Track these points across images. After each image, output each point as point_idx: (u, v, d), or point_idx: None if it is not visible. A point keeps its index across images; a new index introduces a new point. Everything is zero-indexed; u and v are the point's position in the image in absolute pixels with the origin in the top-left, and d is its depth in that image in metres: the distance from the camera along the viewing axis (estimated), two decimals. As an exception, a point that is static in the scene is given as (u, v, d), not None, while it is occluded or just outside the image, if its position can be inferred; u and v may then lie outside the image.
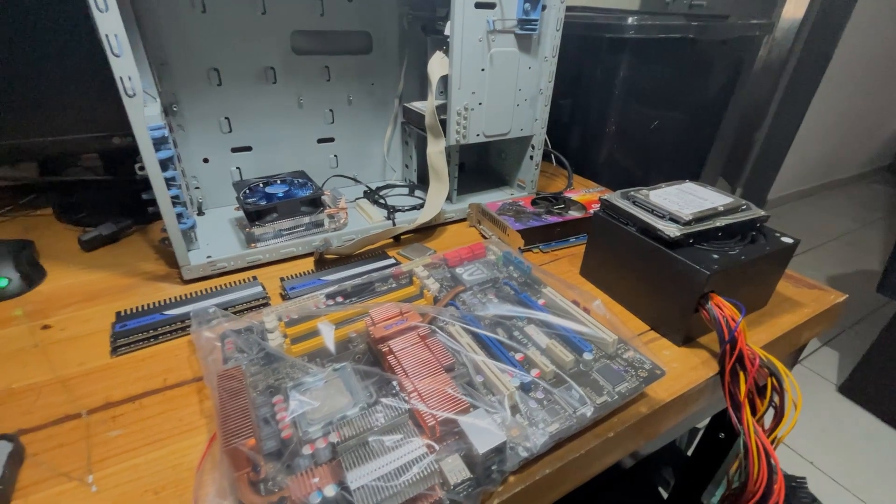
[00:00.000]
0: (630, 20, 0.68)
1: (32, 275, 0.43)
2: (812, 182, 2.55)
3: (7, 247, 0.44)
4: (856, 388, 1.26)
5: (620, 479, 0.65)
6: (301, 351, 0.34)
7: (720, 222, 0.40)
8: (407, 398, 0.27)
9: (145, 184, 0.41)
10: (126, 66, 0.34)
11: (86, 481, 0.26)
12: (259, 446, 0.26)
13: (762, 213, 0.42)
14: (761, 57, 1.80)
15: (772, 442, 0.35)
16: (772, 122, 2.02)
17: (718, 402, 0.47)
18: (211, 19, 0.49)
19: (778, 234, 0.42)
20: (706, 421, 0.61)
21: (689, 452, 0.80)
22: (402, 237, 0.55)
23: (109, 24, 0.33)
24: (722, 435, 0.56)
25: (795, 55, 1.87)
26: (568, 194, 0.61)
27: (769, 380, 0.35)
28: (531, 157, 0.63)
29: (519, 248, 0.51)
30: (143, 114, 0.36)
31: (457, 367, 0.31)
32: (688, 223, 0.39)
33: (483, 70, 0.53)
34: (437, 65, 0.52)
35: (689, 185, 0.46)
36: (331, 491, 0.24)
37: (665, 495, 0.67)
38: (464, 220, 0.60)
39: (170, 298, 0.41)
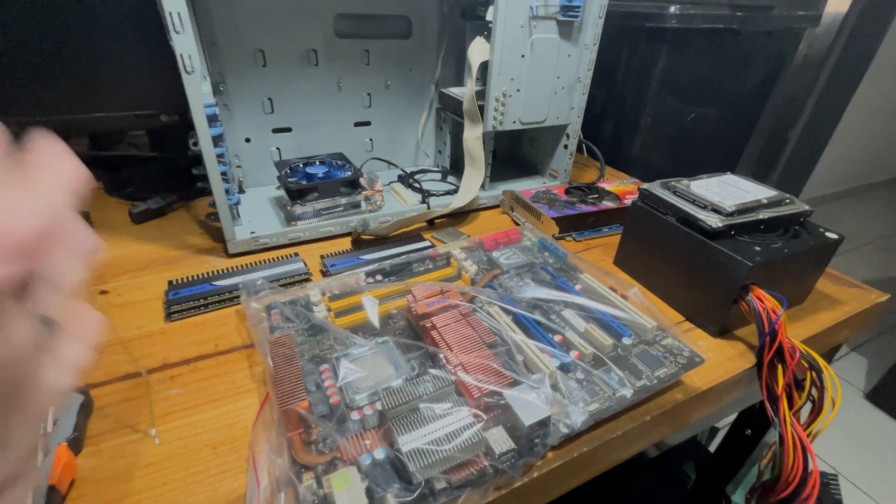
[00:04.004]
0: (672, 9, 0.66)
1: (89, 243, 0.46)
2: (847, 184, 2.46)
3: (65, 216, 0.46)
4: (884, 395, 1.23)
5: (645, 468, 0.65)
6: (345, 324, 0.35)
7: (763, 215, 0.39)
8: (452, 370, 0.28)
9: (196, 159, 0.43)
10: (187, 43, 0.36)
11: (149, 434, 0.28)
12: (310, 410, 0.27)
13: (806, 207, 0.42)
14: (801, 52, 1.73)
15: (808, 436, 0.35)
16: (807, 120, 1.95)
17: (749, 396, 0.47)
18: (259, 0, 0.50)
19: (822, 230, 0.42)
20: (728, 420, 0.61)
21: (710, 449, 0.79)
22: (435, 221, 0.55)
23: (174, 1, 0.34)
24: (749, 431, 0.56)
25: (836, 52, 1.80)
26: (601, 185, 0.60)
27: (808, 374, 0.35)
28: (565, 147, 0.63)
29: (553, 236, 0.51)
30: (201, 90, 0.37)
31: (498, 344, 0.31)
32: (730, 214, 0.38)
33: (523, 56, 0.53)
34: (477, 50, 0.52)
35: (730, 177, 0.45)
36: (380, 454, 0.25)
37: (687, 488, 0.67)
38: (496, 206, 0.60)
39: (217, 270, 0.42)
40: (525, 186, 0.61)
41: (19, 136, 0.13)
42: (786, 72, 0.94)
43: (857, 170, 2.42)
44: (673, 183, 0.43)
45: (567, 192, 0.58)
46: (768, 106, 0.94)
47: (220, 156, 0.42)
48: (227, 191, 0.44)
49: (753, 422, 0.55)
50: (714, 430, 0.88)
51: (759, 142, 1.09)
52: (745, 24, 0.71)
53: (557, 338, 0.34)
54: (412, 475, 0.23)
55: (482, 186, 0.58)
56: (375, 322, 0.35)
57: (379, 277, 0.41)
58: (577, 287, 0.39)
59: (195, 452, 0.27)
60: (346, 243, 0.50)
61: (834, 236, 0.41)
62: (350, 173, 0.52)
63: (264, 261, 0.45)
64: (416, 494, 0.23)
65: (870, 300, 0.45)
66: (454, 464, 0.24)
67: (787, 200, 0.42)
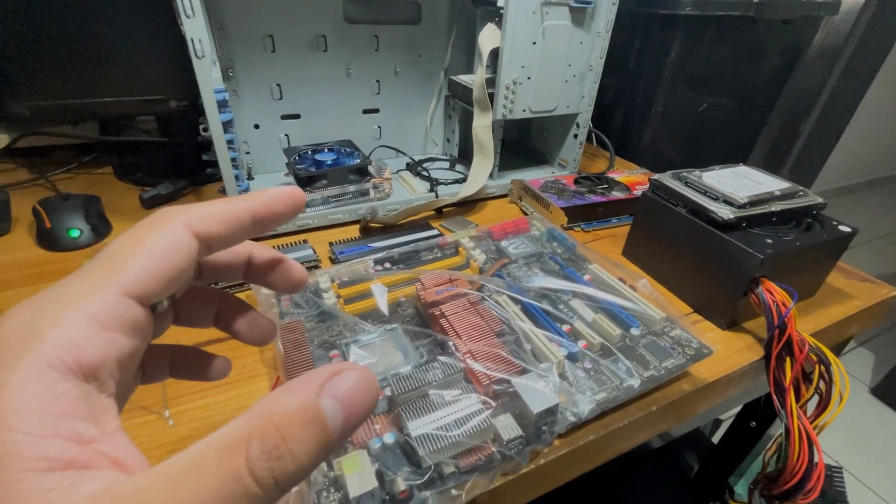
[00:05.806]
0: (687, -4, 0.65)
1: (101, 227, 0.46)
2: (859, 178, 2.42)
3: (77, 201, 0.47)
4: (890, 390, 1.23)
5: (648, 458, 0.66)
6: (354, 311, 0.35)
7: (776, 207, 0.39)
8: (461, 358, 0.28)
9: (206, 145, 0.43)
10: (197, 28, 0.36)
11: (163, 415, 0.29)
12: (321, 394, 0.28)
13: (819, 199, 0.41)
14: (817, 42, 1.69)
15: (814, 429, 0.35)
16: (821, 112, 1.91)
17: (755, 388, 0.47)
18: (268, -15, 0.49)
19: (835, 223, 0.41)
20: (733, 412, 0.61)
21: (713, 440, 0.80)
22: (443, 210, 0.55)
23: (184, -15, 0.34)
24: (753, 423, 0.56)
25: (853, 42, 1.75)
26: (611, 175, 0.60)
27: (816, 367, 0.35)
28: (575, 136, 0.62)
29: (561, 226, 0.51)
30: (211, 75, 0.37)
31: (506, 333, 0.32)
32: (742, 206, 0.38)
33: (534, 43, 0.52)
34: (488, 36, 0.52)
35: (743, 169, 0.45)
36: (390, 438, 0.25)
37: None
38: (504, 195, 0.60)
39: (227, 256, 0.43)
40: (534, 176, 0.61)
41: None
42: (801, 62, 0.92)
43: (870, 163, 2.38)
44: (684, 174, 0.43)
45: (576, 182, 0.58)
46: (782, 97, 0.92)
47: (229, 142, 0.42)
48: (236, 177, 0.44)
49: (758, 414, 0.56)
50: (717, 423, 0.88)
51: (771, 133, 1.07)
52: (762, 11, 0.69)
53: (565, 327, 0.34)
54: (421, 459, 0.23)
55: (491, 175, 0.58)
56: (384, 309, 0.35)
57: (387, 265, 0.41)
58: (586, 277, 0.39)
59: (207, 434, 0.28)
60: (354, 231, 0.50)
61: (847, 230, 0.40)
62: (359, 161, 0.52)
63: (274, 247, 0.45)
64: (425, 478, 0.23)
65: (881, 294, 0.45)
66: (463, 449, 0.24)
67: (801, 193, 0.41)
